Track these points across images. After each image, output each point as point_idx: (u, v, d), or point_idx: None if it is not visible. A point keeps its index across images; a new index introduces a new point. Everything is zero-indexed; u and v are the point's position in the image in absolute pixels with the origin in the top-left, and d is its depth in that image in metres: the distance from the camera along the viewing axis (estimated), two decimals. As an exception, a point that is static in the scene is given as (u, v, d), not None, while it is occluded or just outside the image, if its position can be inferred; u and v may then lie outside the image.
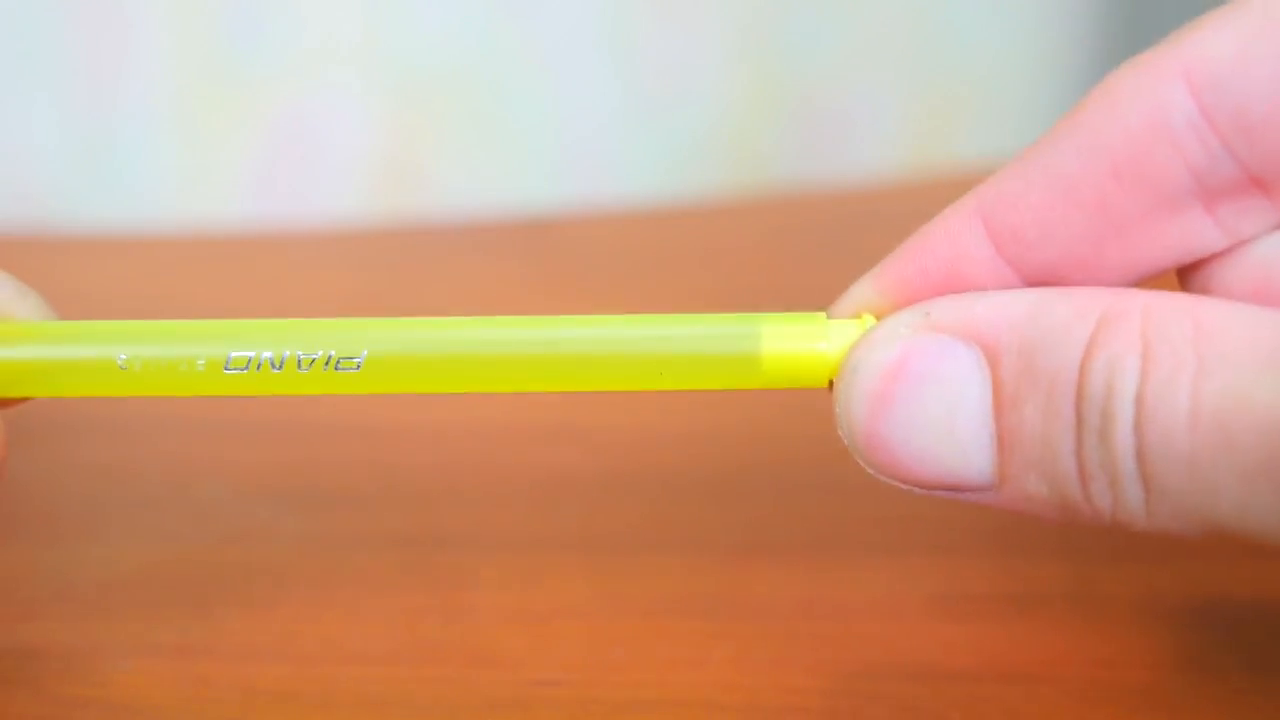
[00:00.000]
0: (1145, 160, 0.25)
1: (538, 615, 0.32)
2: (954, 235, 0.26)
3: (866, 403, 0.25)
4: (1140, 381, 0.23)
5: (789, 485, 0.37)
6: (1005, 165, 0.26)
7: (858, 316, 0.27)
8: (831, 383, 0.26)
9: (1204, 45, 0.25)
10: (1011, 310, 0.25)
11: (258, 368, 0.26)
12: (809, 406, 0.41)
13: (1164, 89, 0.25)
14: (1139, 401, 0.23)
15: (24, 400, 0.27)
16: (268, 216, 0.65)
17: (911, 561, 0.34)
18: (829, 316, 0.27)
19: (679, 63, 0.70)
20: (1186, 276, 0.27)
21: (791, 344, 0.26)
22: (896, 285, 0.27)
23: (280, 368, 0.26)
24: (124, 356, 0.26)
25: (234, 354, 0.26)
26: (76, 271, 0.49)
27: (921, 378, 0.25)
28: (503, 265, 0.51)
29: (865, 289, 0.27)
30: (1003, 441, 0.24)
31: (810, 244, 0.54)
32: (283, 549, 0.34)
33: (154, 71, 0.64)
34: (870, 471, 0.26)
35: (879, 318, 0.26)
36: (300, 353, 0.26)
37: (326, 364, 0.26)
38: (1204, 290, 0.27)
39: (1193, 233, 0.26)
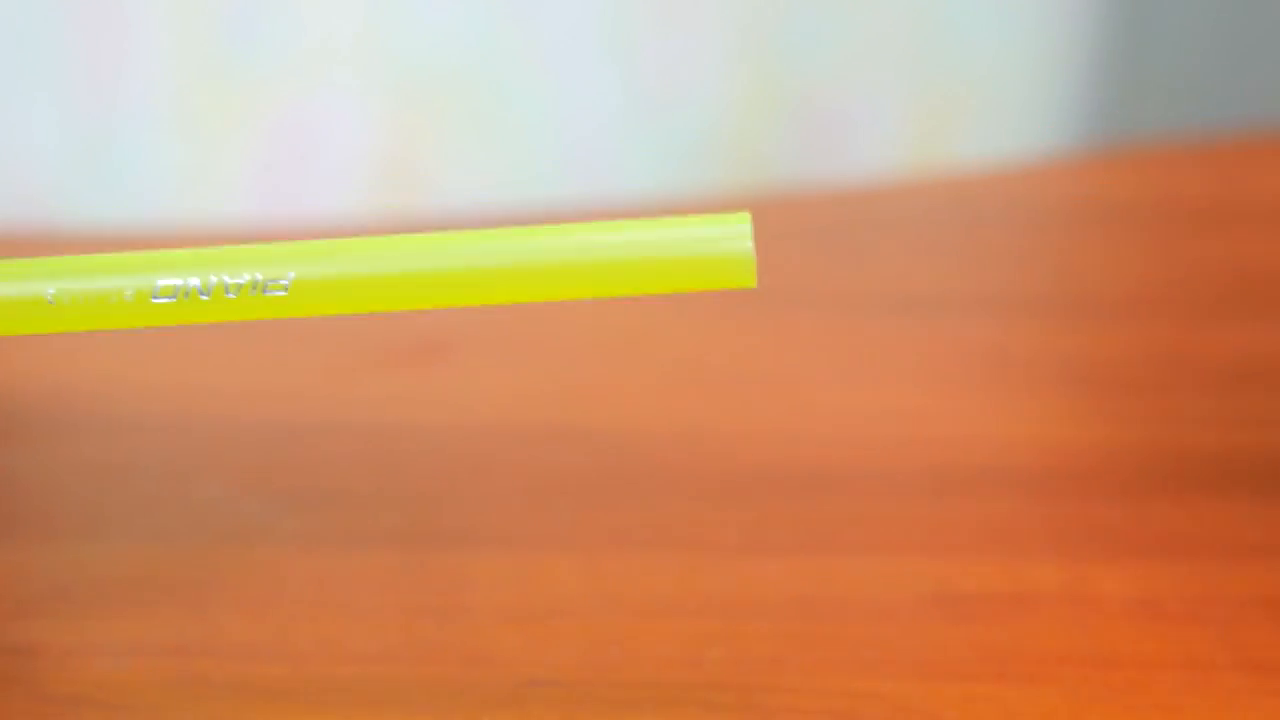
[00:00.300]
0: None
1: (533, 615, 0.32)
2: None
3: None
4: None
5: (783, 484, 0.37)
6: None
7: None
8: None
9: None
10: None
11: (185, 296, 0.25)
12: (808, 406, 0.41)
13: None
14: None
15: None
16: (267, 216, 0.65)
17: (906, 561, 0.34)
18: None
19: (679, 63, 0.70)
20: None
21: None
22: None
23: (208, 295, 0.25)
24: (52, 291, 0.25)
25: (161, 283, 0.25)
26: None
27: None
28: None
29: None
30: None
31: (811, 243, 0.54)
32: (279, 548, 0.34)
33: (154, 72, 0.65)
34: None
35: None
36: (226, 278, 0.25)
37: (254, 289, 0.25)
38: None
39: None
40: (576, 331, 0.45)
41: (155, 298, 0.25)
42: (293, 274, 0.25)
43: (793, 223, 0.56)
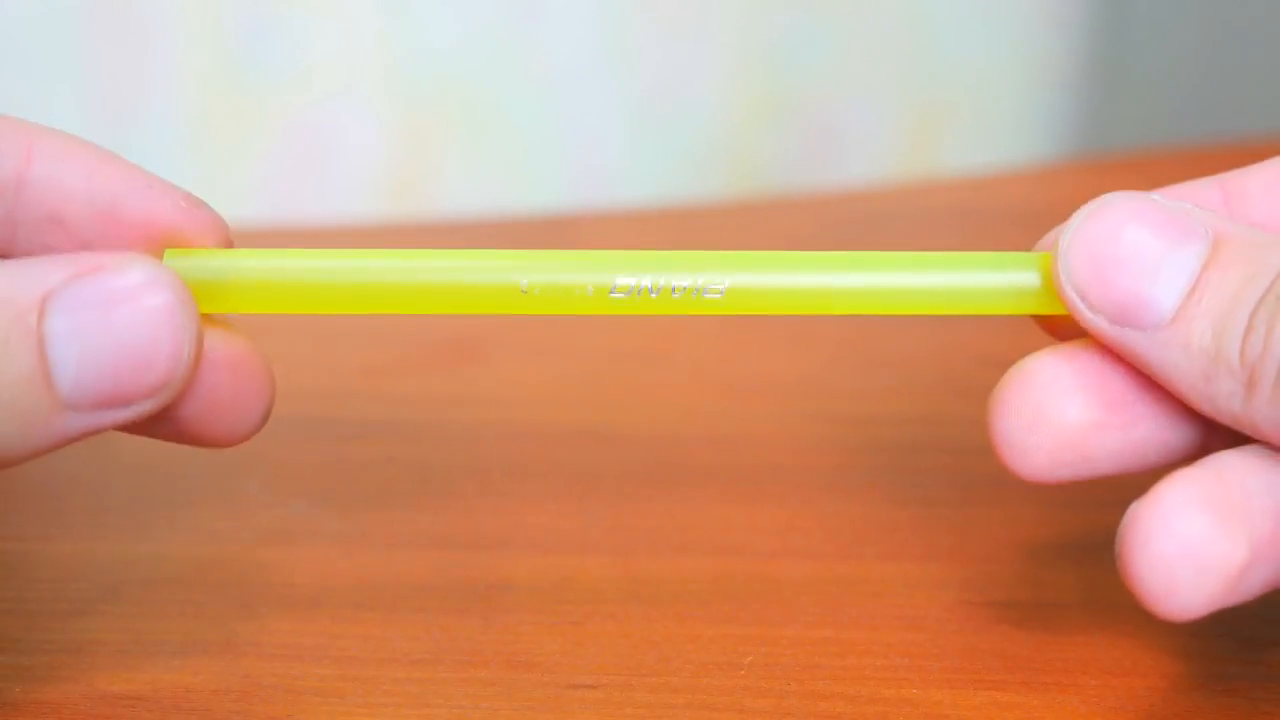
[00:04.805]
0: None
1: (572, 618, 0.32)
2: (1194, 190, 0.31)
3: (1099, 226, 0.28)
4: None
5: (811, 489, 0.38)
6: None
7: None
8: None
9: None
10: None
11: (638, 294, 0.29)
12: (834, 412, 0.42)
13: None
14: None
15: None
16: (281, 220, 0.65)
17: (932, 568, 0.34)
18: None
19: (680, 75, 0.71)
20: None
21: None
22: None
23: (656, 294, 0.29)
24: (525, 281, 0.29)
25: (619, 280, 0.29)
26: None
27: (1155, 225, 0.28)
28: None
29: None
30: (1196, 290, 0.28)
31: (818, 246, 0.54)
32: (323, 548, 0.35)
33: (172, 81, 0.65)
34: (1065, 279, 0.29)
35: None
36: (674, 281, 0.29)
37: (694, 292, 0.29)
38: None
39: None
40: (608, 335, 0.46)
41: (613, 293, 0.29)
42: (729, 281, 0.29)
43: (796, 225, 0.56)
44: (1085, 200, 0.29)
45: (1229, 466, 0.27)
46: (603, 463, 0.39)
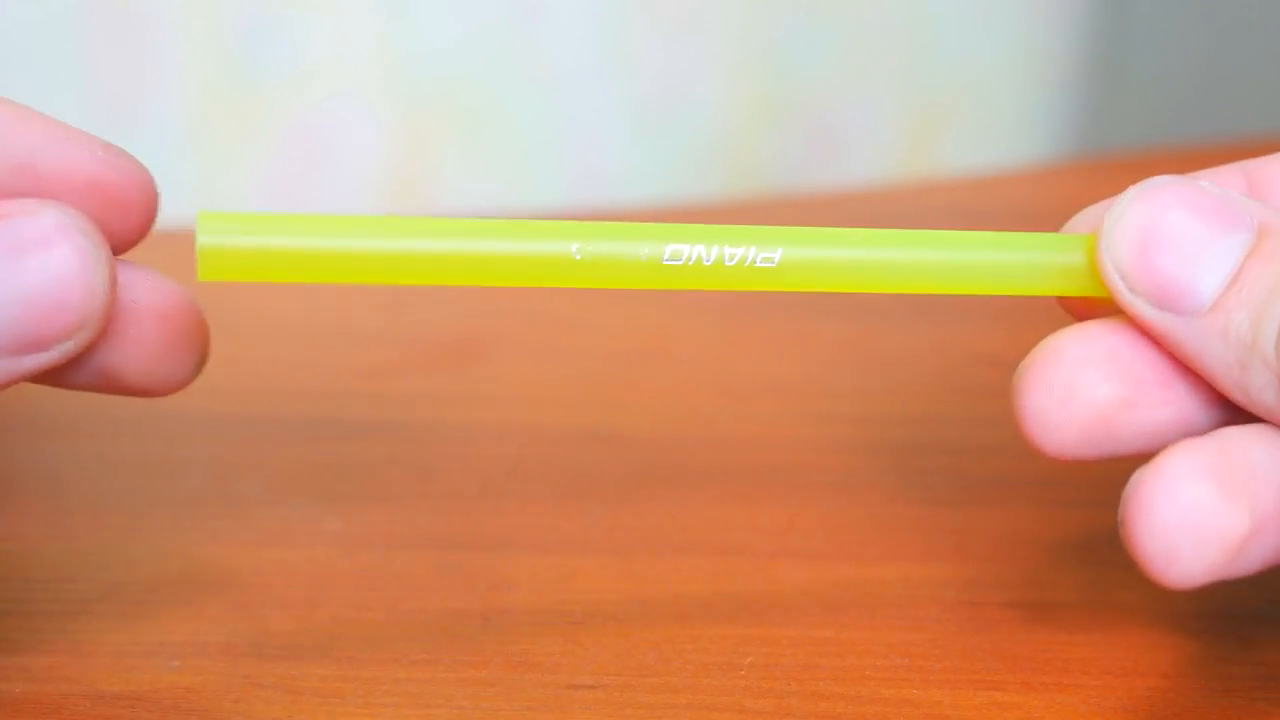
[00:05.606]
0: None
1: (571, 618, 0.33)
2: (1218, 175, 0.31)
3: (1146, 208, 0.29)
4: None
5: (810, 489, 0.38)
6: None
7: None
8: None
9: None
10: None
11: (691, 261, 0.28)
12: (834, 412, 0.42)
13: None
14: None
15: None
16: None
17: (932, 568, 0.34)
18: None
19: (680, 75, 0.71)
20: None
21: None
22: None
23: (710, 262, 0.28)
24: (578, 248, 0.28)
25: (671, 248, 0.28)
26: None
27: (1201, 211, 0.28)
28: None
29: None
30: (1237, 279, 0.28)
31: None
32: (323, 548, 0.35)
33: (172, 81, 0.65)
34: (1108, 259, 0.29)
35: None
36: (727, 249, 0.28)
37: (747, 260, 0.28)
38: None
39: None
40: (608, 335, 0.46)
41: (665, 260, 0.28)
42: (781, 251, 0.29)
43: (796, 225, 0.56)
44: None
45: (1235, 439, 0.27)
46: (603, 463, 0.39)
